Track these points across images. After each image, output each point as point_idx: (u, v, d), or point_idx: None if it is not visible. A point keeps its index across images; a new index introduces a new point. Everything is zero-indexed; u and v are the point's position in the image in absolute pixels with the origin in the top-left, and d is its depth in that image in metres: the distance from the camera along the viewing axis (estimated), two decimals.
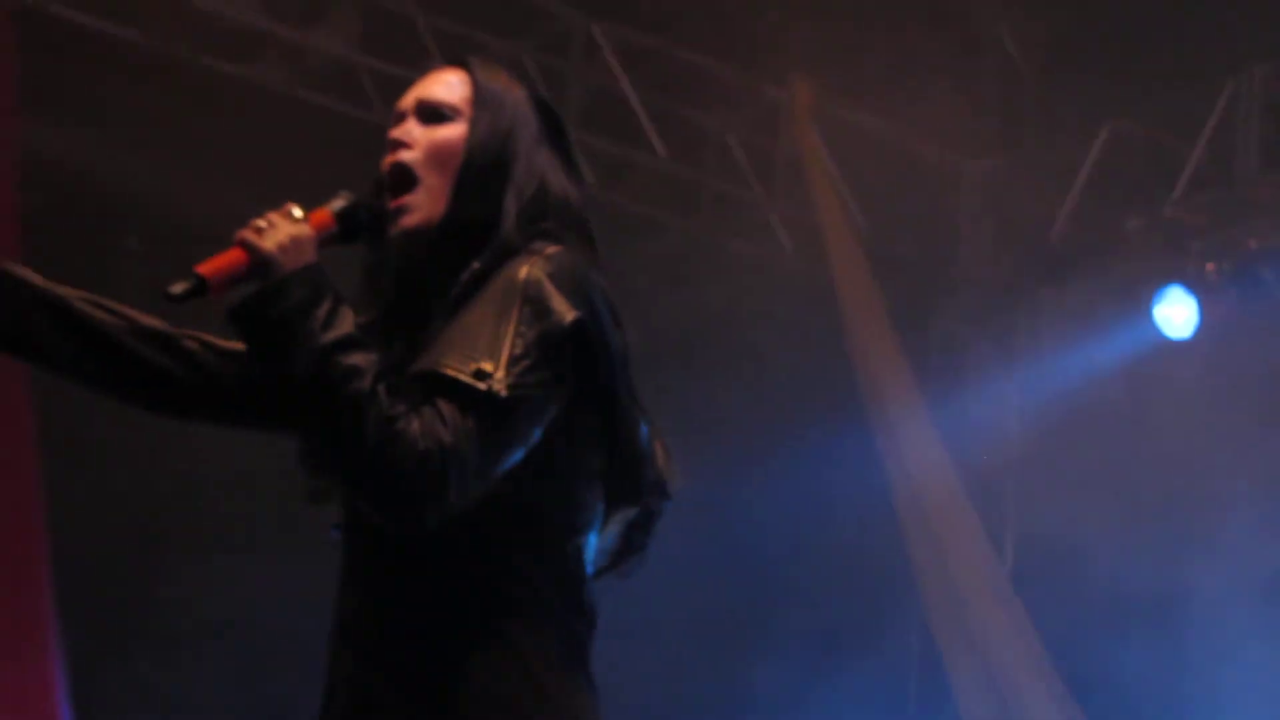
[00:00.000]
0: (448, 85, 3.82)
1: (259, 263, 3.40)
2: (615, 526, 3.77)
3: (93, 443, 10.07)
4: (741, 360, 10.35)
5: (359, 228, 3.66)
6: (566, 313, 3.50)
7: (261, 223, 3.46)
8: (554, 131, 3.86)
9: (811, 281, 11.33)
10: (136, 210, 10.28)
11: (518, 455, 3.51)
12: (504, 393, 3.39)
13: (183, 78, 9.95)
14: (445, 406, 3.36)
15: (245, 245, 3.42)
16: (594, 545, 3.73)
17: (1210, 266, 11.04)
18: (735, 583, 11.29)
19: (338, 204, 3.62)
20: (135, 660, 10.48)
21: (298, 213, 3.54)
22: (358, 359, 3.42)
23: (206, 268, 3.42)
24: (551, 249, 3.62)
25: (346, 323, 3.48)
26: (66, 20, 9.77)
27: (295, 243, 3.49)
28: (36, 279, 3.59)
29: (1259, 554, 10.50)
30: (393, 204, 3.66)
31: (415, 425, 3.37)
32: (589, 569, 3.70)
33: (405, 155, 3.65)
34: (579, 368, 3.55)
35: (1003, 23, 11.82)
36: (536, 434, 3.52)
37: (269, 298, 3.39)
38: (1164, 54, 11.22)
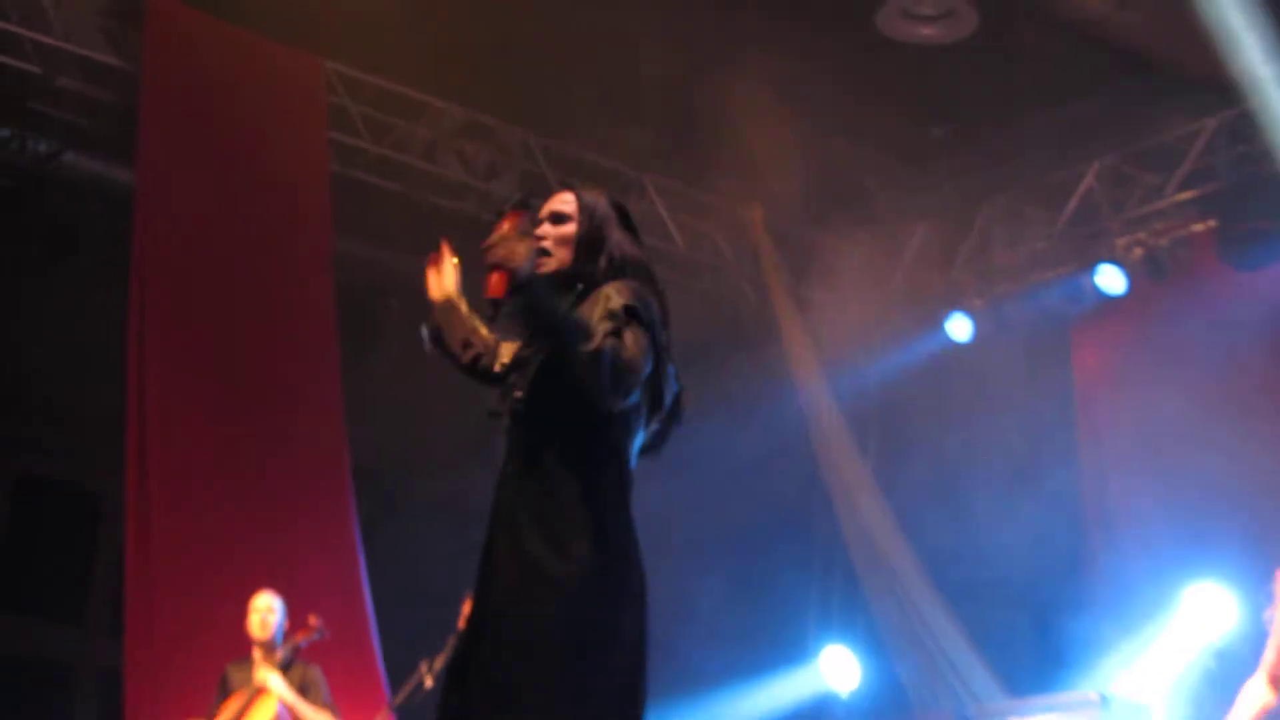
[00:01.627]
0: (565, 201, 5.09)
1: (516, 278, 4.72)
2: (646, 435, 5.02)
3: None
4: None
5: (528, 205, 5.00)
6: (629, 299, 4.76)
7: (501, 242, 4.77)
8: (624, 218, 5.15)
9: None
10: (395, 284, 12.27)
11: (645, 375, 4.75)
12: (614, 340, 4.62)
13: (421, 210, 12.14)
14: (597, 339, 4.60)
15: (499, 265, 4.71)
16: (637, 444, 4.97)
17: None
18: (689, 514, 12.21)
19: (515, 199, 5.00)
20: (388, 530, 12.74)
21: (506, 227, 4.87)
22: (582, 321, 4.67)
23: (493, 289, 4.72)
24: (625, 281, 4.90)
25: (556, 292, 4.84)
26: (359, 181, 12.35)
27: (516, 252, 4.76)
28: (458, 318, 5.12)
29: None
30: (542, 263, 4.91)
31: (610, 341, 4.60)
32: (634, 459, 4.94)
33: (546, 242, 5.00)
34: (652, 341, 4.76)
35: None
36: (648, 366, 4.76)
37: (524, 287, 4.70)
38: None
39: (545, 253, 4.87)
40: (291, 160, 11.93)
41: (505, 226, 4.71)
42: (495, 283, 4.58)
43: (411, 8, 10.66)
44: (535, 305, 4.62)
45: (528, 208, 4.84)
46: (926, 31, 11.19)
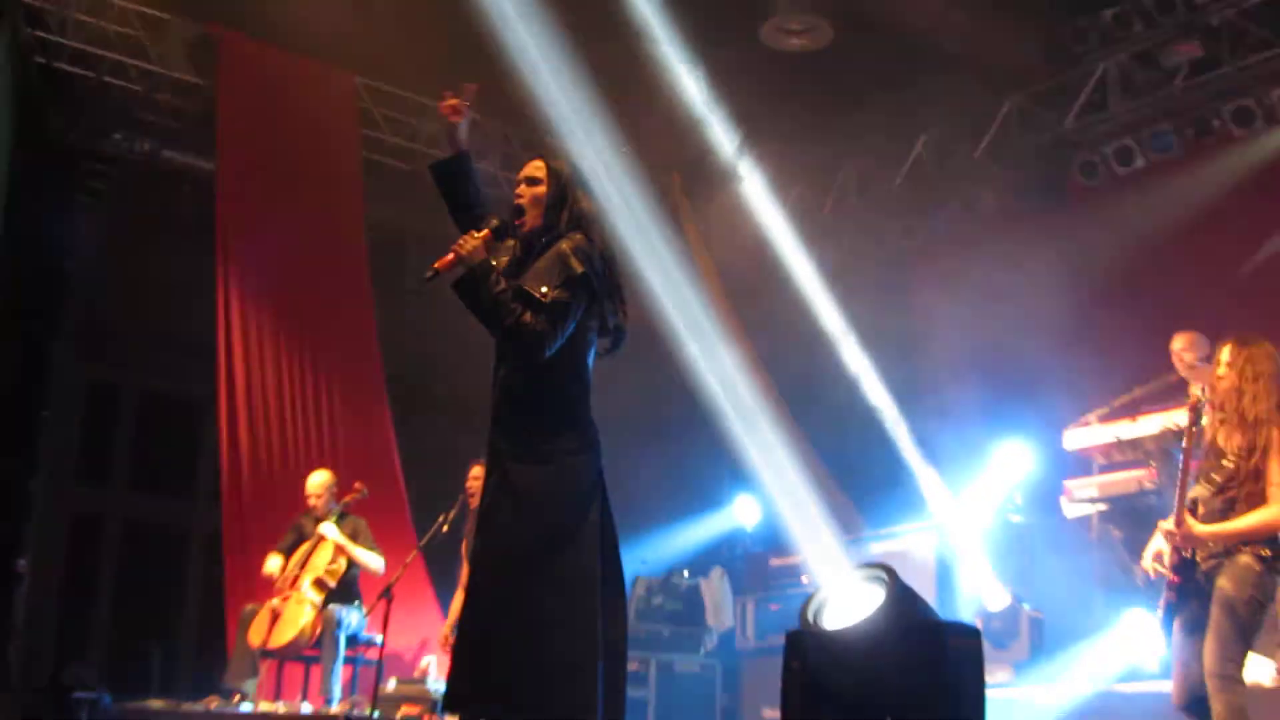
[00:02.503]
0: (536, 168, 5.07)
1: (460, 260, 4.72)
2: (599, 348, 5.06)
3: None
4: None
5: (503, 232, 4.95)
6: (578, 267, 4.79)
7: (462, 240, 4.76)
8: (583, 183, 5.12)
9: None
10: (412, 238, 12.77)
11: (570, 328, 4.80)
12: (552, 301, 4.72)
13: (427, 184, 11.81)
14: (539, 311, 4.70)
15: (455, 253, 4.72)
16: (592, 357, 5.01)
17: None
18: (635, 403, 11.35)
19: (494, 223, 4.90)
20: (412, 419, 12.32)
21: (475, 235, 4.76)
22: (509, 295, 4.71)
23: (438, 264, 4.76)
24: (578, 235, 4.92)
25: (501, 282, 4.76)
26: (382, 164, 12.50)
27: (475, 250, 4.74)
28: (470, 172, 5.14)
29: None
30: (516, 220, 4.94)
31: (529, 316, 4.71)
32: (590, 368, 4.98)
33: (520, 201, 4.97)
34: (589, 293, 4.86)
35: None
36: (573, 321, 4.81)
37: (468, 277, 4.71)
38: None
39: (522, 211, 4.96)
40: (332, 150, 12.17)
41: (480, 235, 4.80)
42: (447, 260, 4.73)
43: (417, 39, 10.60)
44: (472, 294, 4.74)
45: (503, 235, 4.95)
46: (796, 41, 11.25)
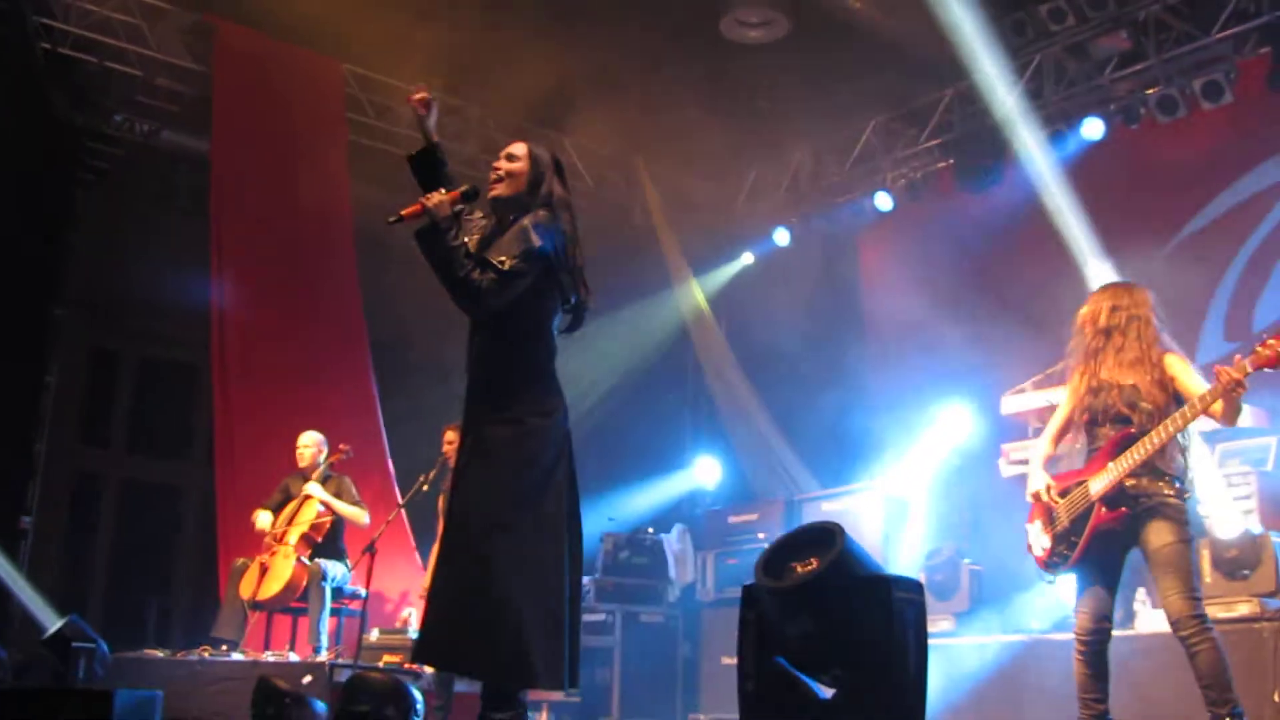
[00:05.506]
0: (518, 147, 5.08)
1: (426, 211, 4.73)
2: (562, 321, 5.05)
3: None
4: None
5: (472, 196, 4.91)
6: (535, 241, 4.81)
7: (430, 194, 4.76)
8: (559, 166, 5.09)
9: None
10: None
11: (517, 290, 4.79)
12: (506, 268, 4.78)
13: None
14: (489, 270, 4.75)
15: (422, 204, 4.74)
16: (555, 327, 5.00)
17: None
18: (605, 372, 12.10)
19: (464, 187, 4.90)
20: (395, 383, 11.98)
21: (444, 193, 4.78)
22: (460, 253, 4.76)
23: (404, 211, 4.77)
24: (543, 212, 4.92)
25: (459, 238, 4.79)
26: (368, 146, 12.20)
27: (441, 204, 4.74)
28: (442, 162, 5.02)
29: None
30: (490, 187, 4.93)
31: (477, 273, 4.75)
32: (554, 338, 4.98)
33: (499, 171, 4.99)
34: (545, 265, 4.86)
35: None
36: (520, 287, 4.79)
37: (429, 227, 4.73)
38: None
39: (499, 179, 4.94)
40: (321, 132, 11.96)
41: (449, 194, 4.80)
42: (412, 210, 4.73)
43: (403, 30, 10.40)
44: (430, 242, 4.72)
45: (471, 198, 4.92)
46: (754, 34, 11.12)
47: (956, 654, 8.22)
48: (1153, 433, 5.49)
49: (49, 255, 10.77)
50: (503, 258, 4.74)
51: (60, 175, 10.85)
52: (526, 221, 4.83)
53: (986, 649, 8.18)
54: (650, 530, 11.45)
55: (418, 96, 5.06)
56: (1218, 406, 5.41)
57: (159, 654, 9.22)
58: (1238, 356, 5.42)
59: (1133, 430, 5.57)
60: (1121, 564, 5.74)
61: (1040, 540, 5.78)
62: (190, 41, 11.37)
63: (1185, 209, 10.52)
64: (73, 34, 10.81)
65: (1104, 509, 5.56)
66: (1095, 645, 5.63)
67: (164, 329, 12.50)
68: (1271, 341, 5.32)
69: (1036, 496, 5.82)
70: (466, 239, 4.90)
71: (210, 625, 9.37)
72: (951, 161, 12.03)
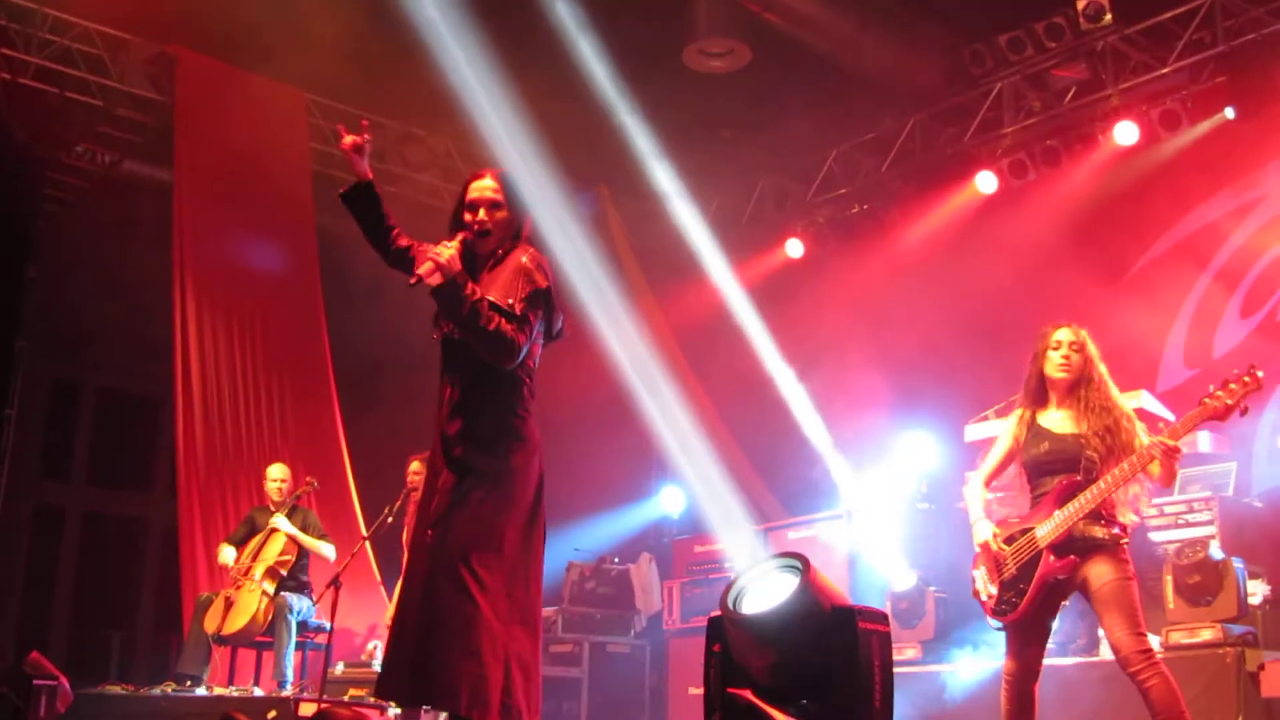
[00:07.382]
0: (494, 189, 4.91)
1: (439, 268, 4.62)
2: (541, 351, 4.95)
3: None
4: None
5: (470, 244, 4.85)
6: (542, 281, 4.76)
7: (438, 250, 4.64)
8: (535, 202, 5.04)
9: None
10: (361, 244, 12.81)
11: (533, 338, 4.76)
12: (519, 311, 4.69)
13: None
14: (511, 319, 4.65)
15: (434, 260, 4.61)
16: (537, 363, 4.90)
17: None
18: (577, 404, 11.56)
19: (460, 238, 4.81)
20: (362, 415, 12.01)
21: (448, 245, 4.68)
22: (485, 305, 4.63)
23: (420, 271, 4.63)
24: (532, 250, 4.86)
25: (477, 291, 4.67)
26: (330, 175, 11.85)
27: (452, 260, 4.63)
28: (378, 199, 4.90)
29: None
30: (480, 244, 4.85)
31: (505, 325, 4.64)
32: (534, 373, 4.88)
33: (485, 226, 4.86)
34: (548, 305, 4.82)
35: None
36: (535, 331, 4.77)
37: (448, 284, 4.62)
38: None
39: (487, 233, 4.84)
40: (283, 161, 11.95)
41: (453, 243, 4.69)
42: (429, 270, 4.58)
43: (364, 60, 10.40)
44: (453, 300, 4.60)
45: (469, 246, 4.81)
46: (715, 64, 11.16)
47: (922, 682, 8.19)
48: (1098, 482, 5.49)
49: (9, 286, 10.70)
50: (510, 300, 4.69)
51: (21, 206, 10.83)
52: (526, 262, 4.78)
53: (953, 677, 8.16)
54: (616, 560, 11.37)
55: (349, 141, 4.94)
56: (1154, 468, 5.44)
57: (120, 690, 9.11)
58: (1172, 426, 5.47)
59: (1078, 479, 5.55)
60: (1058, 613, 5.77)
61: (987, 587, 5.73)
62: (152, 72, 11.39)
63: (1146, 236, 10.56)
64: (34, 64, 10.82)
65: (1052, 557, 5.54)
66: (1023, 684, 5.60)
67: (126, 361, 12.53)
68: (1220, 393, 5.32)
69: (985, 547, 5.78)
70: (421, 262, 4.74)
71: (174, 660, 9.31)
72: (910, 188, 12.00)
